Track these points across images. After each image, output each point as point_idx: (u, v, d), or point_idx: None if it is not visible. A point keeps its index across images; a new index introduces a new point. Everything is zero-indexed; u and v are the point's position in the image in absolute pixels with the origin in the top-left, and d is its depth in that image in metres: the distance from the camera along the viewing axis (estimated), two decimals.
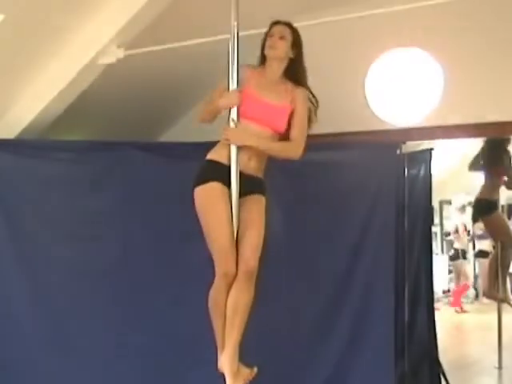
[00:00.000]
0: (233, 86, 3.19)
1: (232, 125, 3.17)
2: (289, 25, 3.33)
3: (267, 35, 3.31)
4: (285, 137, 3.27)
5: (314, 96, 3.34)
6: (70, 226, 4.25)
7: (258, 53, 3.33)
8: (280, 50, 3.27)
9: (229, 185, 3.14)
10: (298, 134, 3.25)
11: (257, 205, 3.25)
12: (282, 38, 3.27)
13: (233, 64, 3.18)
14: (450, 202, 12.24)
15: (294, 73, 3.31)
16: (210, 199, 3.15)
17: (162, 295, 4.23)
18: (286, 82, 3.30)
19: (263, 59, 3.32)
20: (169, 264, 4.08)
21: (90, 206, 4.23)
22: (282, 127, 3.24)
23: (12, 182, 4.25)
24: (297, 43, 3.31)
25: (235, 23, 3.18)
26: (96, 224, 4.20)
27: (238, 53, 3.18)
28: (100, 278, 4.20)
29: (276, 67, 3.30)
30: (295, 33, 3.33)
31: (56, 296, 4.22)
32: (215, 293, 3.12)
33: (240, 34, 3.19)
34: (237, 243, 3.12)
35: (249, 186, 3.20)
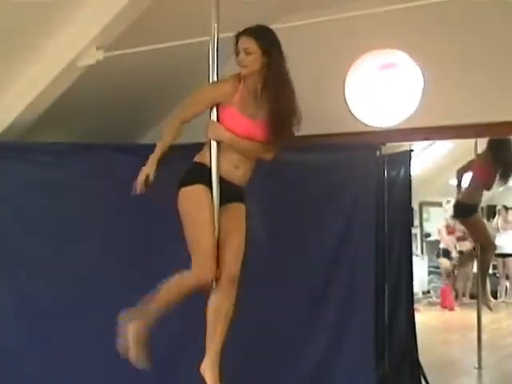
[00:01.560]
0: None
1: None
2: (252, 33, 3.18)
3: (235, 50, 3.20)
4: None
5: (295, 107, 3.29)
6: (49, 228, 4.23)
7: None
8: (249, 67, 3.16)
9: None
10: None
11: (238, 212, 3.29)
12: (248, 53, 3.14)
13: (213, 65, 3.20)
14: (429, 204, 12.30)
15: (269, 77, 3.20)
16: (195, 201, 3.16)
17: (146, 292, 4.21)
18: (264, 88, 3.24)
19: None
20: (153, 264, 4.06)
21: (69, 208, 4.21)
22: (267, 138, 3.24)
23: None
24: (267, 48, 3.16)
25: (215, 25, 3.19)
26: (75, 226, 4.18)
27: (218, 54, 3.19)
28: (82, 280, 4.19)
29: (254, 80, 3.21)
30: (261, 38, 3.17)
31: (40, 298, 4.20)
32: (182, 287, 3.14)
33: (220, 35, 3.19)
34: (218, 250, 3.14)
35: (232, 194, 3.23)
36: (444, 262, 11.39)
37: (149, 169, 3.15)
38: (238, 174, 3.26)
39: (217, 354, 3.12)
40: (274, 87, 3.19)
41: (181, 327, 4.15)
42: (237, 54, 3.19)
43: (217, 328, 3.12)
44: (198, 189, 3.16)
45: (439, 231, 11.62)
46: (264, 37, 3.18)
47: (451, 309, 10.58)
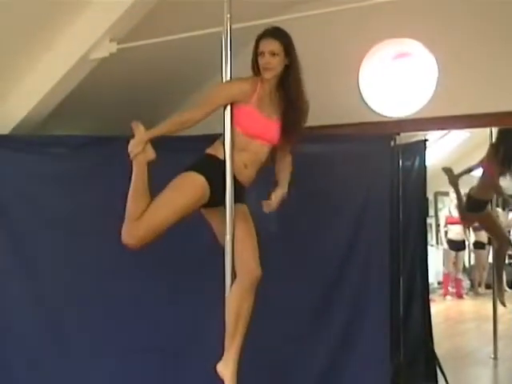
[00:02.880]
0: (226, 78, 3.20)
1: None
2: (275, 35, 3.20)
3: (257, 52, 3.21)
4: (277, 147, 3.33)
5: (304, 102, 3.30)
6: (64, 220, 4.24)
7: (251, 46, 3.30)
8: (275, 69, 3.19)
9: (218, 182, 3.14)
10: None
11: (246, 213, 3.30)
12: (273, 54, 3.16)
13: (226, 57, 3.18)
14: (444, 194, 12.23)
15: (288, 78, 3.24)
16: (186, 187, 3.15)
17: (162, 289, 4.24)
18: (280, 89, 3.27)
19: (257, 69, 3.25)
20: (167, 253, 4.07)
21: (84, 201, 4.23)
22: (277, 140, 3.28)
23: (5, 177, 4.24)
24: (289, 50, 3.21)
25: (228, 16, 3.18)
26: (90, 219, 4.19)
27: (231, 46, 3.17)
28: (98, 274, 4.21)
29: (271, 81, 3.24)
30: (284, 39, 3.20)
31: (54, 291, 4.22)
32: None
33: (233, 26, 3.18)
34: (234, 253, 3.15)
35: (237, 193, 3.21)
36: (448, 252, 11.33)
37: (137, 138, 3.18)
38: (246, 173, 3.26)
39: (237, 354, 3.13)
40: (292, 88, 3.23)
41: (194, 323, 4.18)
42: (257, 56, 3.21)
43: (237, 329, 3.12)
44: (196, 178, 3.14)
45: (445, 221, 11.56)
46: (285, 39, 3.21)
47: (460, 297, 10.52)
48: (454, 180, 6.75)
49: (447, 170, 6.69)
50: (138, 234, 3.11)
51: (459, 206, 7.14)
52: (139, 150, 3.17)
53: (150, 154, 3.21)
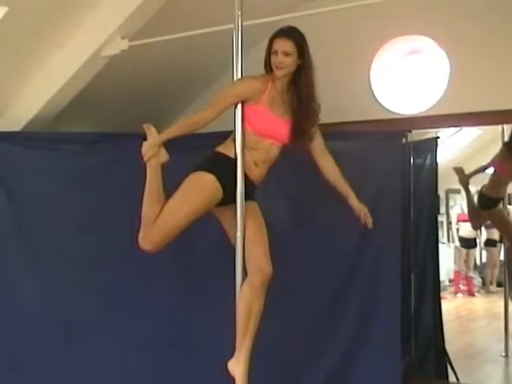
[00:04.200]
0: (237, 75, 3.20)
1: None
2: (289, 35, 3.20)
3: (270, 51, 3.21)
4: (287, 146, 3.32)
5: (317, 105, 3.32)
6: (77, 217, 4.26)
7: (263, 43, 3.30)
8: (288, 68, 3.19)
9: (229, 180, 3.14)
10: None
11: (256, 211, 3.30)
12: (286, 54, 3.17)
13: (237, 54, 3.19)
14: (456, 191, 12.18)
15: (300, 78, 3.24)
16: (198, 187, 3.15)
17: (173, 287, 4.26)
18: (292, 88, 3.27)
19: (269, 68, 3.25)
20: (180, 253, 4.08)
21: (97, 198, 4.24)
22: (288, 139, 3.28)
23: (19, 174, 4.26)
24: (302, 50, 3.20)
25: (239, 13, 3.18)
26: (103, 216, 4.21)
27: (242, 43, 3.17)
28: (109, 272, 4.22)
29: (282, 81, 3.24)
30: (298, 40, 3.20)
31: (66, 288, 4.24)
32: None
33: (244, 23, 3.18)
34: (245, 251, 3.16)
35: (248, 191, 3.20)
36: (459, 250, 11.28)
37: (152, 140, 3.20)
38: (256, 171, 3.26)
39: (248, 352, 3.13)
40: (304, 88, 3.23)
41: (205, 321, 4.20)
42: (270, 54, 3.21)
43: (248, 327, 3.12)
44: (208, 178, 3.14)
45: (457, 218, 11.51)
46: (300, 39, 3.21)
47: (471, 295, 10.47)
48: (464, 180, 6.72)
49: (458, 170, 6.66)
50: (154, 239, 3.14)
51: (468, 207, 7.12)
52: (153, 153, 3.18)
53: (163, 156, 3.23)
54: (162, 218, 3.12)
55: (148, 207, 3.16)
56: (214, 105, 3.20)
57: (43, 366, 4.19)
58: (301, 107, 3.24)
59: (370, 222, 3.39)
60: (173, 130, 3.22)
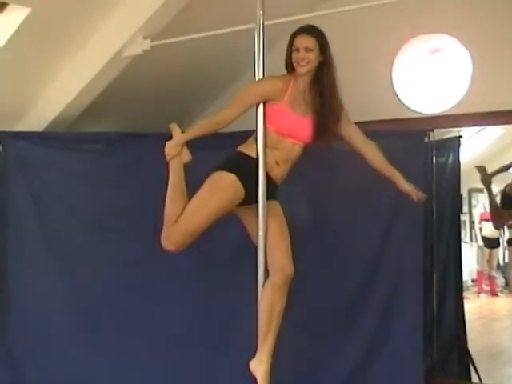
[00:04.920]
0: (259, 75, 3.20)
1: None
2: (311, 32, 3.18)
3: (291, 48, 3.18)
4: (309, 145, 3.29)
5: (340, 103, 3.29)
6: (99, 217, 4.29)
7: (282, 43, 3.29)
8: (311, 64, 3.16)
9: (251, 180, 3.13)
10: None
11: (278, 210, 3.28)
12: (308, 50, 3.14)
13: (259, 53, 3.18)
14: (478, 190, 12.09)
15: (322, 75, 3.21)
16: (220, 187, 3.14)
17: (198, 288, 4.29)
18: (314, 87, 3.24)
19: (290, 67, 3.22)
20: (203, 254, 4.10)
21: (120, 197, 4.26)
22: (310, 138, 3.25)
23: (42, 174, 4.30)
24: (324, 47, 3.18)
25: (261, 12, 3.17)
26: (125, 214, 4.23)
27: (264, 42, 3.17)
28: (133, 269, 4.25)
29: (304, 79, 3.21)
30: (319, 37, 3.18)
31: (89, 290, 4.28)
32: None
33: (266, 23, 3.18)
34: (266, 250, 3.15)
35: (269, 190, 3.19)
36: (482, 249, 11.20)
37: (176, 139, 3.20)
38: (277, 170, 3.24)
39: (270, 352, 3.12)
40: (326, 86, 3.20)
41: (228, 321, 4.21)
42: (291, 53, 3.18)
43: (270, 327, 3.11)
44: (229, 178, 3.13)
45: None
46: (321, 36, 3.19)
47: (494, 294, 10.38)
48: (486, 179, 6.66)
49: (480, 169, 6.60)
50: (176, 239, 3.13)
51: (491, 206, 7.05)
52: (176, 152, 3.19)
53: (186, 156, 3.23)
54: (184, 218, 3.12)
55: (170, 207, 3.17)
56: (235, 105, 3.19)
57: (66, 365, 4.23)
58: (323, 105, 3.20)
59: (423, 195, 3.36)
60: (196, 130, 3.22)
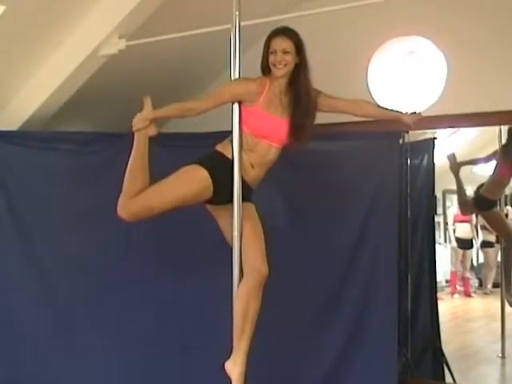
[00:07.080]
0: (235, 75, 3.19)
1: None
2: (287, 34, 3.19)
3: (268, 50, 3.19)
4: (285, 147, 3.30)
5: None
6: (72, 216, 4.26)
7: (259, 43, 3.30)
8: (288, 67, 3.17)
9: (223, 180, 3.14)
10: None
11: (253, 212, 3.28)
12: (285, 52, 3.15)
13: (235, 54, 3.18)
14: (453, 192, 12.17)
15: (298, 77, 3.22)
16: (189, 178, 3.16)
17: (172, 285, 4.27)
18: (290, 89, 3.26)
19: (267, 69, 3.23)
20: (177, 253, 4.09)
21: (94, 197, 4.24)
22: (286, 139, 3.26)
23: (15, 173, 4.26)
24: (300, 49, 3.20)
25: (237, 13, 3.17)
26: (99, 214, 4.21)
27: (240, 43, 3.17)
28: (106, 270, 4.23)
29: (280, 82, 3.23)
30: (295, 38, 3.19)
31: (65, 288, 4.25)
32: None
33: (242, 23, 3.18)
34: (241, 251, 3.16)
35: (243, 192, 3.19)
36: (456, 250, 11.28)
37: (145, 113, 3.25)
38: (252, 173, 3.25)
39: (245, 353, 3.12)
40: (302, 88, 3.22)
41: (203, 321, 4.20)
42: (267, 55, 3.19)
43: (245, 328, 3.11)
44: (201, 173, 3.14)
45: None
46: (297, 38, 3.20)
47: (468, 295, 10.46)
48: (455, 167, 6.70)
49: (450, 157, 6.64)
50: (131, 209, 3.15)
51: (459, 195, 7.09)
52: (143, 125, 3.23)
53: (153, 129, 3.28)
54: (147, 193, 3.15)
55: (130, 177, 3.20)
56: (210, 99, 3.22)
57: (40, 366, 4.19)
58: (300, 106, 3.21)
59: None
60: (168, 110, 3.26)
